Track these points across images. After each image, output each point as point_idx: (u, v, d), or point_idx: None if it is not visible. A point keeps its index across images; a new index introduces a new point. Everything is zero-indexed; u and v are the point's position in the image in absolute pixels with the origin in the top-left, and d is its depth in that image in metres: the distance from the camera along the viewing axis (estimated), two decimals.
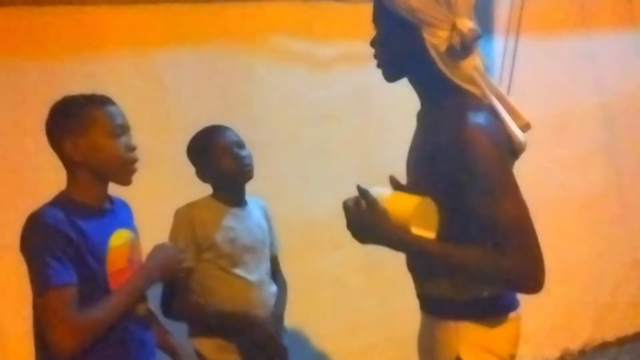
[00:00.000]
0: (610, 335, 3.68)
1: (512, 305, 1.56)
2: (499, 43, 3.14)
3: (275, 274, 2.24)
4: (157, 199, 2.35)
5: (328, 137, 2.89)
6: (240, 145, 2.09)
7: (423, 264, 1.57)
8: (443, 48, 1.41)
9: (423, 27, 1.42)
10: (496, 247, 1.35)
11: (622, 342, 3.67)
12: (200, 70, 2.72)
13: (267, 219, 2.22)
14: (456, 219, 1.43)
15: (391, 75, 1.55)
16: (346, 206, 1.52)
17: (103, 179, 1.65)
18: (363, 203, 1.49)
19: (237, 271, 2.04)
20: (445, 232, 1.45)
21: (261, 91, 2.81)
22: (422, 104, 1.58)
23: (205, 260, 2.03)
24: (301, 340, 2.91)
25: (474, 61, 1.45)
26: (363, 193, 1.49)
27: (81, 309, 1.48)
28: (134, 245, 1.72)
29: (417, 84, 1.55)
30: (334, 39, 2.75)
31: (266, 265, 2.14)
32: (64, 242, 1.49)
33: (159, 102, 2.67)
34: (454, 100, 1.44)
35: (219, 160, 2.05)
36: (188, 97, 2.67)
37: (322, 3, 2.67)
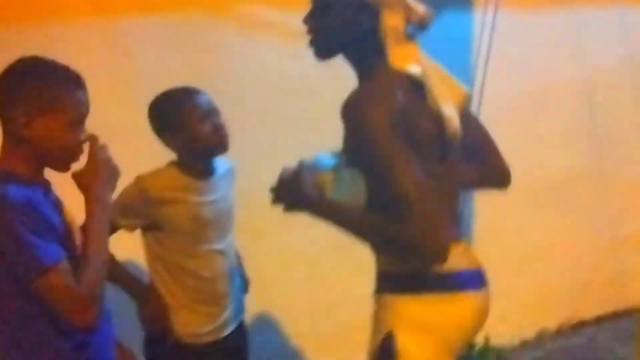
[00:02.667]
0: (588, 314, 3.69)
1: (462, 284, 1.54)
2: (477, 16, 3.07)
3: None
4: (124, 171, 2.26)
5: (300, 111, 2.81)
6: (217, 112, 1.95)
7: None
8: (401, 27, 1.50)
9: (383, 9, 1.50)
10: (396, 218, 1.39)
11: (599, 321, 3.68)
12: (168, 40, 2.63)
13: (234, 180, 2.12)
14: (369, 191, 1.51)
15: (327, 52, 1.61)
16: (280, 174, 1.61)
17: (43, 161, 1.51)
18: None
19: (201, 246, 1.96)
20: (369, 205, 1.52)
21: (231, 62, 2.73)
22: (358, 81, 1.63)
23: (166, 236, 1.94)
24: (273, 322, 2.87)
25: (415, 45, 1.55)
26: (298, 164, 1.59)
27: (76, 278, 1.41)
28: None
29: (356, 61, 1.59)
30: (307, 9, 2.67)
31: (232, 235, 2.06)
32: (38, 218, 1.40)
33: (125, 72, 2.58)
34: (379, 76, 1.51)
35: (195, 128, 1.89)
36: (155, 67, 2.58)
37: None
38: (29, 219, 1.37)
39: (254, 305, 2.73)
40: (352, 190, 1.53)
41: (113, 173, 1.58)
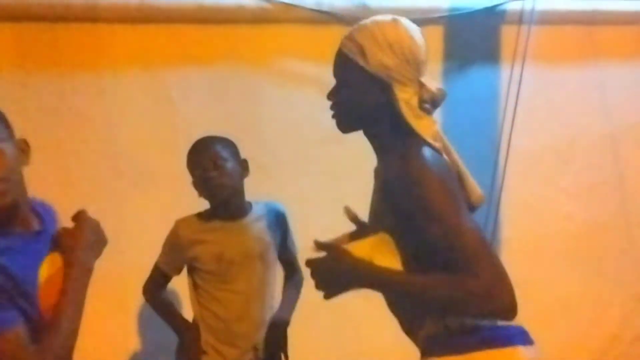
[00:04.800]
0: None
1: (512, 339, 1.50)
2: (505, 71, 3.15)
3: (293, 274, 2.24)
4: (164, 216, 2.36)
5: (334, 160, 2.89)
6: (216, 163, 2.03)
7: (404, 307, 1.61)
8: (414, 102, 1.51)
9: (394, 84, 1.50)
10: (461, 274, 1.36)
11: None
12: (209, 91, 2.75)
13: (280, 224, 2.18)
14: (414, 254, 1.47)
15: (348, 126, 1.64)
16: (309, 262, 1.56)
17: None
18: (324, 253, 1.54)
19: (224, 286, 2.04)
20: (407, 269, 1.48)
21: (269, 113, 2.84)
22: (378, 157, 1.64)
23: (196, 276, 2.07)
24: None
25: (433, 119, 1.54)
26: (319, 245, 1.55)
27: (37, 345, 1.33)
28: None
29: (375, 136, 1.61)
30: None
31: (263, 276, 2.10)
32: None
33: (168, 121, 2.70)
34: (408, 146, 1.50)
35: (194, 178, 2.07)
36: (197, 117, 2.70)
37: (332, 27, 2.70)
38: None
39: None
40: (388, 256, 1.51)
41: (99, 240, 1.52)
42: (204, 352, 2.05)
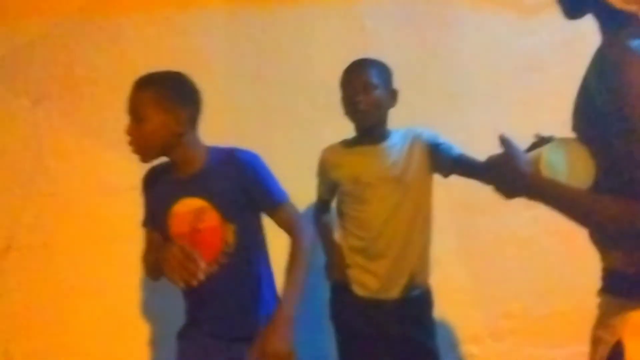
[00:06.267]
0: None
1: None
2: None
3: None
4: None
5: (531, 89, 2.75)
6: (366, 87, 2.05)
7: (600, 236, 1.43)
8: None
9: None
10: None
11: None
12: (400, 16, 2.73)
13: (425, 144, 2.11)
14: (605, 166, 1.29)
15: (570, 10, 1.44)
16: (489, 159, 1.49)
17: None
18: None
19: (360, 207, 2.10)
20: (601, 183, 1.30)
21: (463, 39, 2.75)
22: None
23: (339, 200, 2.19)
24: (486, 297, 2.89)
25: None
26: (502, 140, 1.43)
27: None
28: (201, 212, 1.81)
29: (597, 19, 1.40)
30: None
31: (401, 199, 2.07)
32: (144, 195, 1.91)
33: (361, 50, 2.72)
34: (616, 28, 1.29)
35: (343, 99, 2.12)
36: (389, 44, 2.69)
37: None
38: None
39: (462, 279, 2.74)
40: (573, 168, 1.37)
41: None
42: (348, 266, 2.15)
